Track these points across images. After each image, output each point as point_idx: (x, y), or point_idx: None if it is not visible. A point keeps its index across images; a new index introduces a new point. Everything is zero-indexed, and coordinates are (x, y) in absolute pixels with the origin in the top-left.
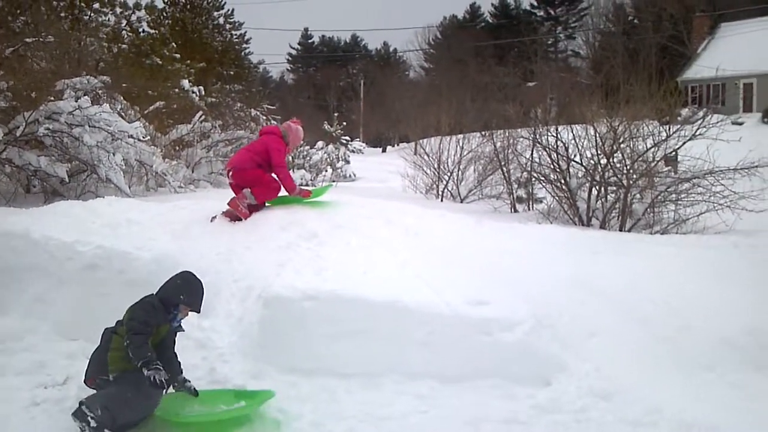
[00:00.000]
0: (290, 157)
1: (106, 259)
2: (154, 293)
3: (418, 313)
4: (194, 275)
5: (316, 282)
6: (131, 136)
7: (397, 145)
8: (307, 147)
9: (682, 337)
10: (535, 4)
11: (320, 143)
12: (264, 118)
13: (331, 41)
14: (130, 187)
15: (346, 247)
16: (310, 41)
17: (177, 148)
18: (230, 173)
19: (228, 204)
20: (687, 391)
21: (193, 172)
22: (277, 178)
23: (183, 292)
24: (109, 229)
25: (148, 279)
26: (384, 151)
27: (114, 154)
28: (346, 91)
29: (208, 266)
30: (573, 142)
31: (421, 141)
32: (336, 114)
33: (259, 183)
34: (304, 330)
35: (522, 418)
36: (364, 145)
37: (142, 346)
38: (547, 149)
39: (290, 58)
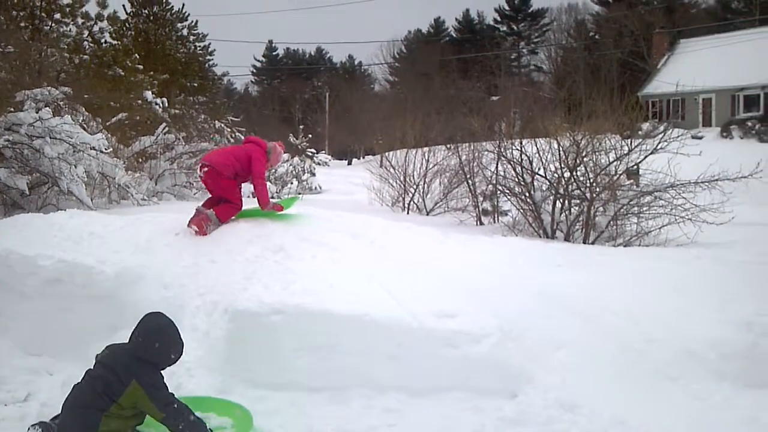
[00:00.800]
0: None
1: (68, 273)
2: (135, 355)
3: (385, 326)
4: (166, 325)
5: (283, 296)
6: (93, 148)
7: (363, 157)
8: None
9: (646, 348)
10: (499, 19)
11: (285, 156)
12: (228, 130)
13: (295, 54)
14: (92, 200)
15: (313, 261)
16: (274, 53)
17: (140, 160)
18: (204, 168)
19: (192, 222)
20: (651, 402)
21: (156, 184)
22: (239, 197)
23: (173, 351)
24: (71, 242)
25: (111, 294)
26: (350, 163)
27: (76, 166)
28: (312, 103)
29: (172, 280)
30: (537, 155)
31: (386, 153)
32: (301, 126)
33: (228, 198)
34: (272, 344)
35: (489, 430)
36: (329, 157)
37: (195, 421)
38: (512, 162)
39: (255, 71)
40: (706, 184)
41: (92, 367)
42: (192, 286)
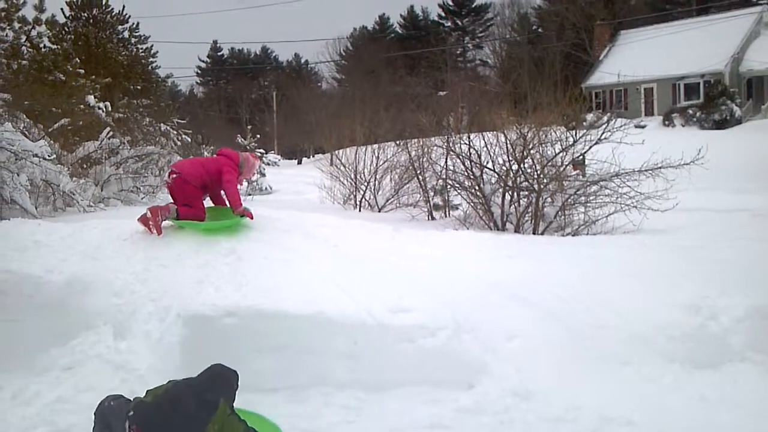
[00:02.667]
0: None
1: (14, 284)
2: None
3: (340, 324)
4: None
5: (236, 298)
6: (36, 155)
7: (313, 156)
8: None
9: (597, 334)
10: (443, 14)
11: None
12: (174, 132)
13: (241, 53)
14: (36, 208)
15: (265, 262)
16: (219, 54)
17: (84, 166)
18: (173, 175)
19: (144, 218)
20: (605, 387)
21: (102, 190)
22: (203, 205)
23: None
24: (17, 252)
25: (61, 303)
26: (300, 162)
27: (18, 175)
28: (259, 103)
29: (122, 287)
30: (485, 149)
31: (336, 152)
32: (249, 127)
33: (191, 205)
34: (226, 347)
35: (446, 422)
36: (279, 157)
37: None
38: (461, 157)
39: (199, 72)
40: (650, 172)
41: None
42: (143, 291)
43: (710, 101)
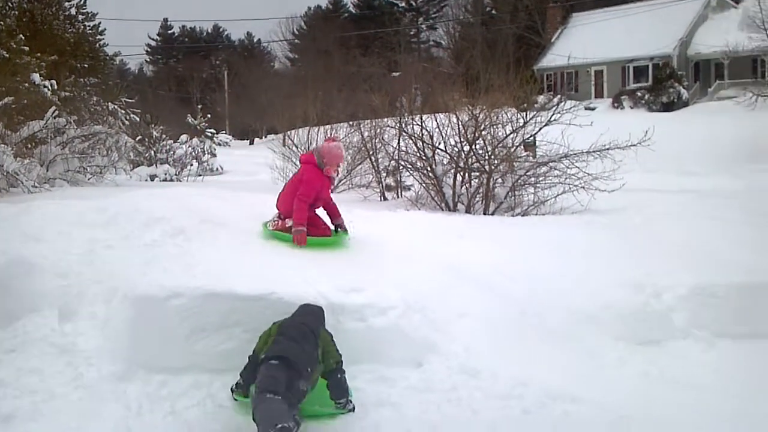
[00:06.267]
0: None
1: None
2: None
3: (292, 304)
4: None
5: (185, 279)
6: None
7: (265, 137)
8: (170, 141)
9: (545, 312)
10: None
11: (184, 137)
12: (122, 112)
13: (192, 32)
14: None
15: (215, 243)
16: (169, 32)
17: (29, 145)
18: (277, 219)
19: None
20: (551, 364)
21: (47, 170)
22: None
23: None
24: None
25: (4, 285)
26: (252, 143)
27: None
28: (210, 82)
29: (68, 268)
30: (437, 130)
31: (289, 132)
32: (200, 106)
33: (313, 224)
34: (174, 328)
35: (395, 399)
36: (230, 137)
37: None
38: (413, 138)
39: (149, 50)
40: (598, 153)
41: None
42: (89, 273)
43: (658, 84)
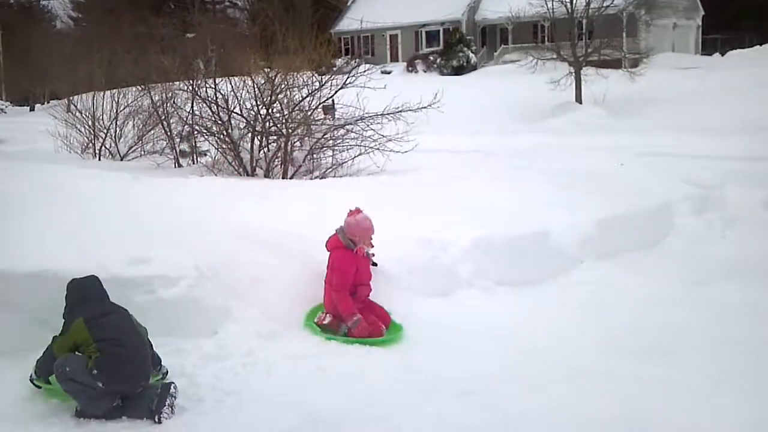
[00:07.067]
0: None
1: None
2: None
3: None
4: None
5: None
6: None
7: (47, 102)
8: None
9: None
10: None
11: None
12: None
13: None
14: None
15: None
16: None
17: None
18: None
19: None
20: None
21: None
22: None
23: None
24: None
25: None
26: (32, 109)
27: None
28: None
29: None
30: (232, 93)
31: (72, 97)
32: None
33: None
34: None
35: (189, 370)
36: (7, 104)
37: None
38: (207, 101)
39: None
40: (392, 115)
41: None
42: None
43: (449, 48)
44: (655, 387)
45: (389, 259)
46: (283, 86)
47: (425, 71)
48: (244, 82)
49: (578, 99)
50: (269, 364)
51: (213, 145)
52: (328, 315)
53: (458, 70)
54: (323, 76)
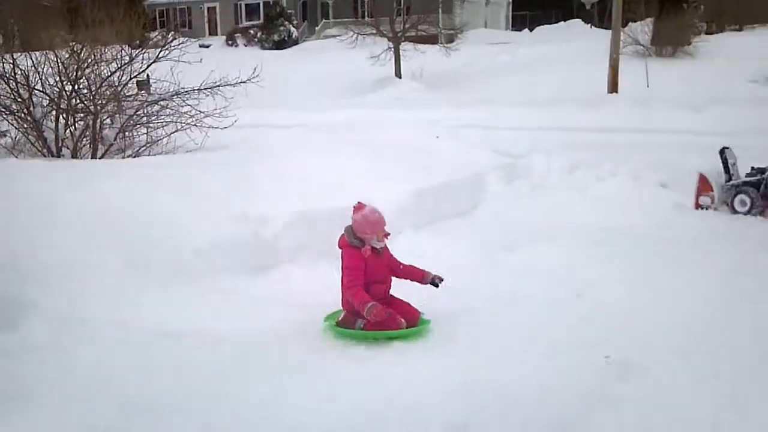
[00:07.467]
0: None
1: None
2: None
3: None
4: None
5: None
6: None
7: None
8: None
9: (155, 252)
10: None
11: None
12: None
13: None
14: None
15: None
16: None
17: None
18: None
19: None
20: (165, 303)
21: None
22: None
23: None
24: None
25: None
26: None
27: None
28: None
29: None
30: (33, 69)
31: None
32: None
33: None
34: None
35: None
36: None
37: None
38: (5, 78)
39: None
40: (209, 90)
41: None
42: None
43: (270, 22)
44: (460, 346)
45: (208, 239)
46: (89, 61)
47: (246, 45)
48: (46, 56)
49: (398, 74)
50: (77, 351)
51: (13, 125)
52: (343, 312)
53: (279, 45)
54: (133, 50)
